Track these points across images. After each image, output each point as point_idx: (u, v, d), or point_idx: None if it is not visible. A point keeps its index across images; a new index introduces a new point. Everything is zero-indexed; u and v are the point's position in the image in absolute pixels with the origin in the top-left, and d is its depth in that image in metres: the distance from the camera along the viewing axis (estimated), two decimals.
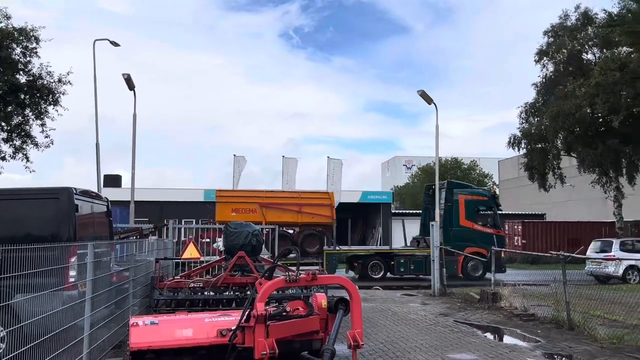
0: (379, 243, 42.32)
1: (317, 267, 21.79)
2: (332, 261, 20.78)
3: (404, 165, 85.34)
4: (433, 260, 15.41)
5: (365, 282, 19.46)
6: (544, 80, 31.13)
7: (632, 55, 18.52)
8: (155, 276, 9.08)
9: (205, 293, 8.58)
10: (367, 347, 8.00)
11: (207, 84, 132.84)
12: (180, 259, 11.70)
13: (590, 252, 20.05)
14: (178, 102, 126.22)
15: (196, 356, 6.08)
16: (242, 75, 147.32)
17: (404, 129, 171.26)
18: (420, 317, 11.10)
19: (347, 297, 6.34)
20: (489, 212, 21.72)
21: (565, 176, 31.88)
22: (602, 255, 19.07)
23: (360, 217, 46.33)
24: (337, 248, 21.82)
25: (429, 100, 16.22)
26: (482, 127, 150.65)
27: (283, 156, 24.85)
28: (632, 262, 18.31)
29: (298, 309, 6.75)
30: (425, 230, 21.75)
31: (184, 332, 5.92)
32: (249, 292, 7.64)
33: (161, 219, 25.00)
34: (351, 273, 21.93)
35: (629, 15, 17.73)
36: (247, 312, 5.71)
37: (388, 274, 21.19)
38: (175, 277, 9.59)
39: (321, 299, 6.67)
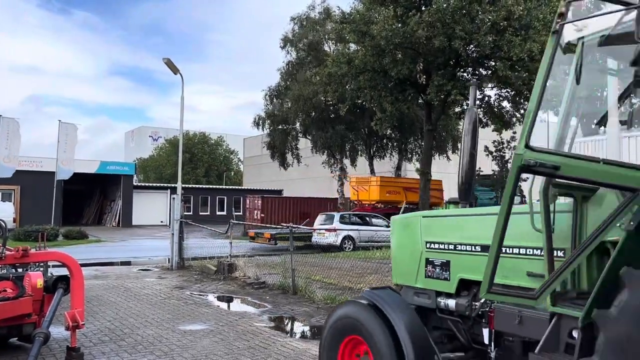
0: (118, 218, 39.96)
1: None
2: None
3: (150, 136, 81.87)
4: (172, 234, 15.15)
5: None
6: (287, 65, 33.47)
7: (358, 53, 21.00)
8: None
9: None
10: (92, 326, 7.45)
11: None
12: None
13: (317, 224, 22.38)
14: None
15: None
16: None
17: (154, 99, 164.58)
18: (155, 291, 10.85)
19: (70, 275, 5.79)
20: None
21: (301, 156, 35.06)
22: (325, 226, 21.49)
23: (98, 189, 42.92)
24: None
25: (175, 69, 15.73)
26: (233, 105, 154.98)
27: (0, 115, 21.12)
28: (348, 233, 21.09)
29: (5, 290, 5.94)
30: None
31: None
32: None
33: None
34: None
35: (357, 15, 20.04)
36: None
37: None
38: None
39: (36, 278, 5.99)
